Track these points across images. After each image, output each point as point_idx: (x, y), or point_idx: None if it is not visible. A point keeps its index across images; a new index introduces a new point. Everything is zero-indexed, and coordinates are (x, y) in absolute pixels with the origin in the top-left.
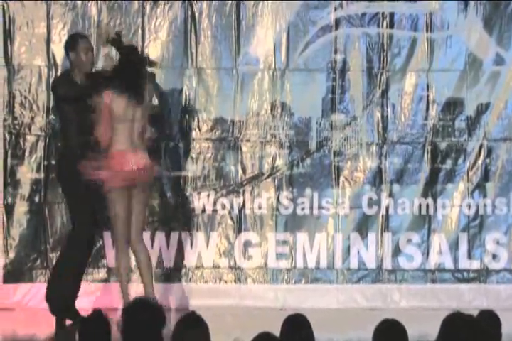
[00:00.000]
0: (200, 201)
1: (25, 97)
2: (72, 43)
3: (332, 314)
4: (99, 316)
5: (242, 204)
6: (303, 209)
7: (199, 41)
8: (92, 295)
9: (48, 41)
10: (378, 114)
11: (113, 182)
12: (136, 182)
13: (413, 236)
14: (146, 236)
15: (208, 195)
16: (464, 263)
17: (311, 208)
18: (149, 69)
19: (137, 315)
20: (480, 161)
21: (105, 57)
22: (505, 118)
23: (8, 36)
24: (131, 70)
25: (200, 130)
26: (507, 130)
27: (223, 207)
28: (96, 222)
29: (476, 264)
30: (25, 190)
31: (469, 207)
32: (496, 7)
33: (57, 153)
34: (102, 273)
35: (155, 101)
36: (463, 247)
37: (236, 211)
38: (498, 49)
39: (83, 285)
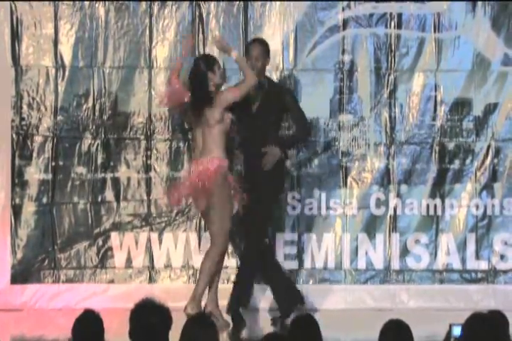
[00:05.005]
0: None
1: (33, 98)
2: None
3: (340, 314)
4: (91, 316)
5: None
6: (311, 209)
7: (207, 42)
8: (99, 296)
9: (56, 42)
10: (386, 115)
11: None
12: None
13: (421, 236)
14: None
15: None
16: (471, 264)
17: (319, 208)
18: None
19: (144, 316)
20: (488, 161)
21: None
22: None
23: (16, 37)
24: None
25: None
26: None
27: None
28: None
29: (484, 265)
30: (33, 190)
31: (477, 207)
32: (504, 7)
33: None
34: (109, 275)
35: None
36: (471, 248)
37: None
38: (506, 49)
39: (91, 286)
